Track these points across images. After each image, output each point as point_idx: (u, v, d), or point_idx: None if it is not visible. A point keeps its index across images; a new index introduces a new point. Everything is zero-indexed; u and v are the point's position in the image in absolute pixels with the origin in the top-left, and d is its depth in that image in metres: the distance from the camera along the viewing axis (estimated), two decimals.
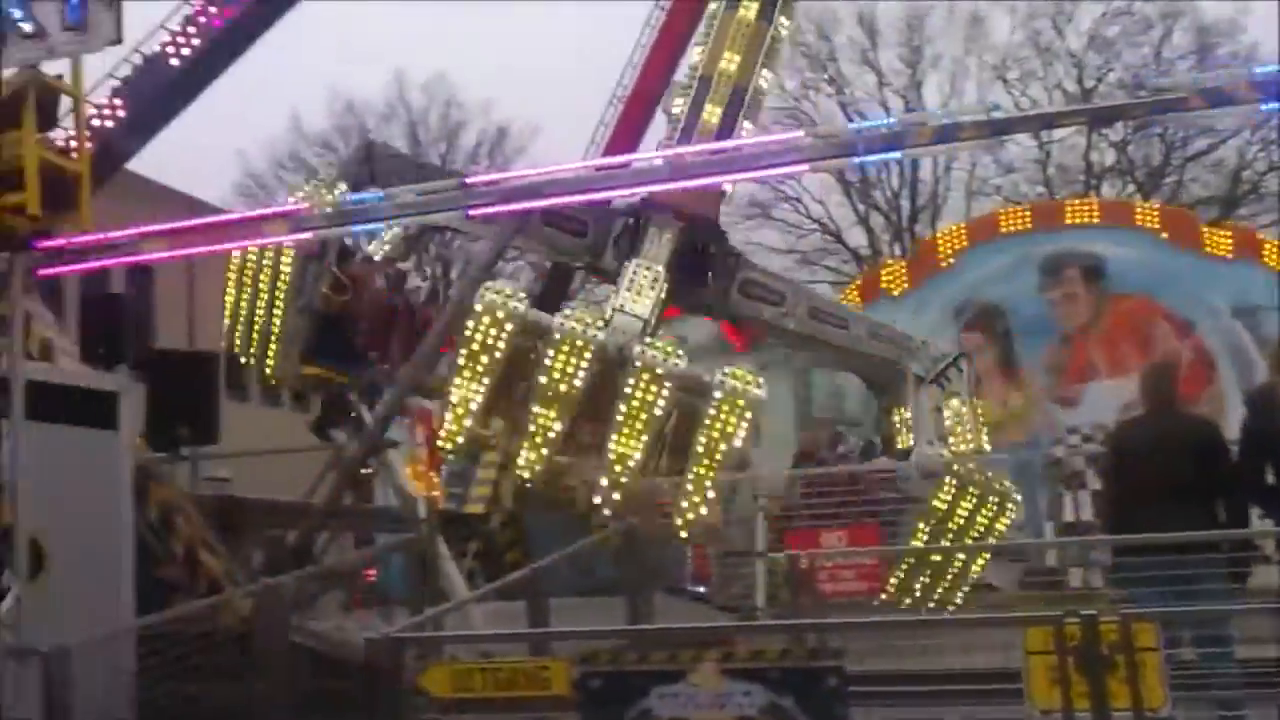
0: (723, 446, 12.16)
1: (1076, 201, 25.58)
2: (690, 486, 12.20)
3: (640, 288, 13.53)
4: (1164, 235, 21.21)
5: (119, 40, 8.23)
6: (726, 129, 15.40)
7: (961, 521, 12.76)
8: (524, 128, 42.68)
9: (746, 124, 15.55)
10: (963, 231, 23.23)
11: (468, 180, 15.29)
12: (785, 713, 5.82)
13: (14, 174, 7.88)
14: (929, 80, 38.19)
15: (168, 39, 13.13)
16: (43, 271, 9.68)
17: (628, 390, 12.29)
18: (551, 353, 12.32)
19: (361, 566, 13.61)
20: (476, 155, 42.10)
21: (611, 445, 12.29)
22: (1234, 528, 7.64)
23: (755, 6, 15.42)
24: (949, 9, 37.52)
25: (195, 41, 13.16)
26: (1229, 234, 22.34)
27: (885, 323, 15.66)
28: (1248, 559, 7.70)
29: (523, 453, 12.54)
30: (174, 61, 13.12)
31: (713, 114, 15.56)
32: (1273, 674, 6.81)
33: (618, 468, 12.27)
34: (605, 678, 6.12)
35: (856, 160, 13.94)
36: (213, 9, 13.29)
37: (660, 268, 13.81)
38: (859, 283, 24.33)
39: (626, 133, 22.32)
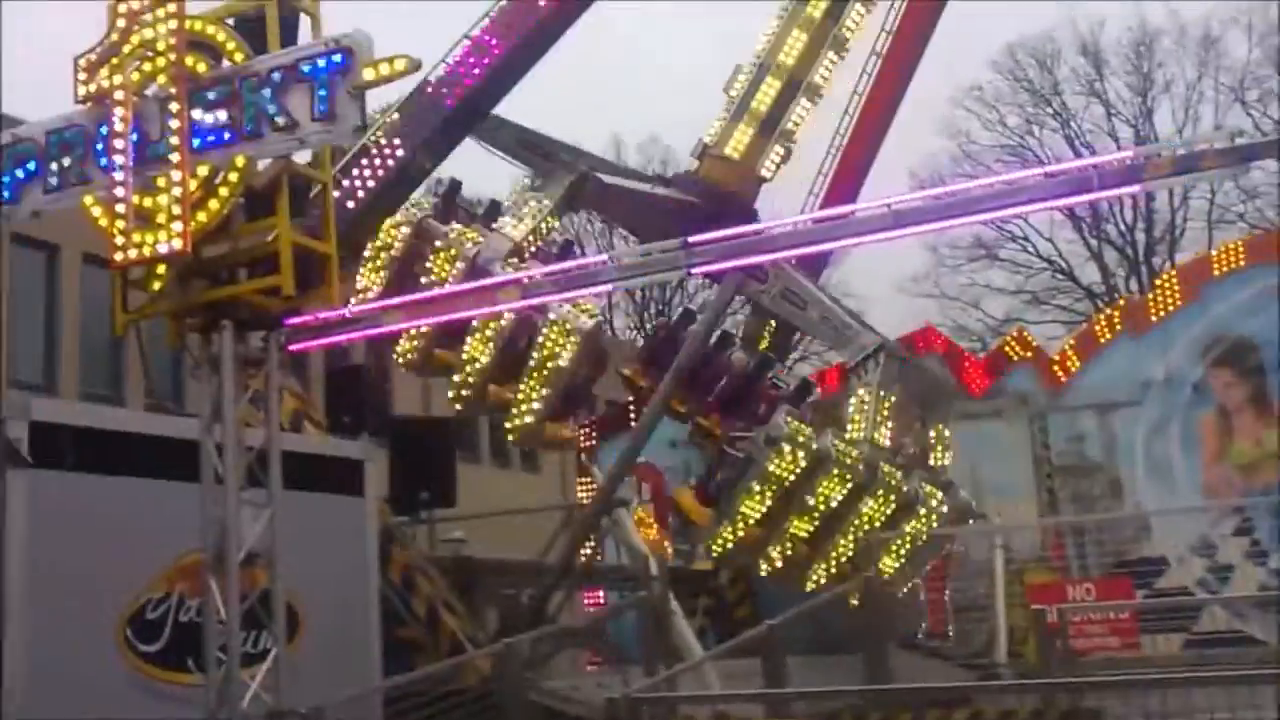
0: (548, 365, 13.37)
1: None
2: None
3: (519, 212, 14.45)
4: None
5: (364, 129, 8.67)
6: (776, 112, 16.38)
7: (822, 504, 13.59)
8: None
9: (803, 107, 16.64)
10: (1207, 262, 22.07)
11: (690, 240, 15.57)
12: None
13: (270, 258, 8.32)
14: (1161, 107, 36.69)
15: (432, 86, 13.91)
16: (293, 347, 10.20)
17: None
18: (823, 479, 13.71)
19: (597, 624, 13.74)
20: None
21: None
22: None
23: None
24: (1179, 31, 36.06)
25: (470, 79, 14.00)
26: None
27: (840, 310, 16.75)
28: None
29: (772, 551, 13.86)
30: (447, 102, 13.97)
31: (765, 96, 16.36)
32: None
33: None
34: None
35: (1095, 197, 13.62)
36: (491, 39, 14.01)
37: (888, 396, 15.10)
38: (1102, 320, 23.22)
39: (846, 181, 22.23)
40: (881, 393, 14.81)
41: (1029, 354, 21.09)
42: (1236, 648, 10.59)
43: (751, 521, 13.62)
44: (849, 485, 13.81)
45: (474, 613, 12.93)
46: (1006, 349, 21.55)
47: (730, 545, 13.81)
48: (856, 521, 13.78)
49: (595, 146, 50.61)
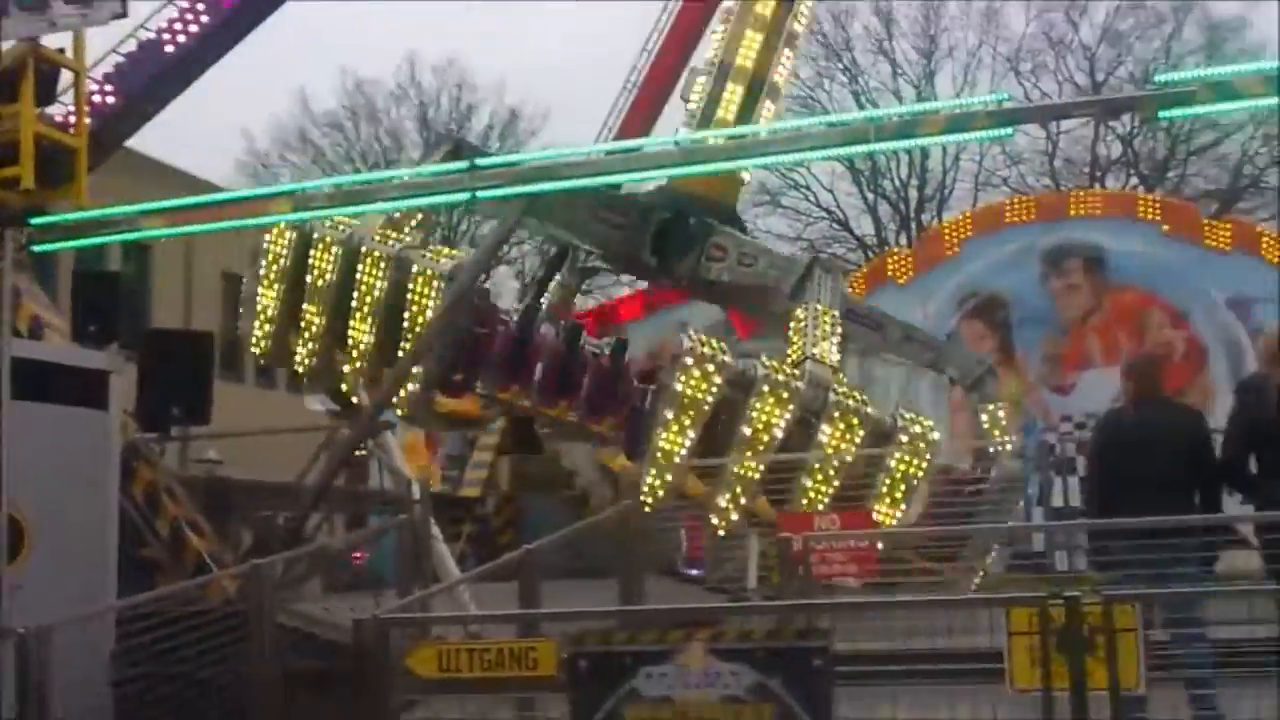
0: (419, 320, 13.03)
1: (1080, 193, 25.51)
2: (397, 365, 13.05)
3: (824, 334, 13.85)
4: (1165, 228, 21.25)
5: (124, 14, 8.11)
6: (743, 117, 15.69)
7: (763, 432, 12.65)
8: (535, 112, 42.60)
9: (767, 109, 15.63)
10: (968, 221, 23.16)
11: (478, 163, 15.27)
12: (771, 692, 5.76)
13: (9, 148, 7.80)
14: (943, 71, 38.06)
15: (175, 15, 12.98)
16: (37, 248, 9.59)
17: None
18: (757, 403, 12.68)
19: (351, 548, 13.54)
20: (488, 138, 42.00)
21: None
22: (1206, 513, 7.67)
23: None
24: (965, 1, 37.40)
25: (205, 19, 13.02)
26: (1229, 227, 22.34)
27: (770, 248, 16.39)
28: (1218, 544, 7.69)
29: (722, 499, 12.80)
30: (180, 39, 13.00)
31: (730, 102, 15.65)
32: (1242, 655, 6.79)
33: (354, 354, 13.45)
34: (593, 658, 6.05)
35: (867, 148, 14.04)
36: None
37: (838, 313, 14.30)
38: (865, 270, 24.25)
39: (639, 119, 22.30)
40: (819, 307, 13.91)
41: None
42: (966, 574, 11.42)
43: (676, 458, 12.49)
44: (790, 409, 12.59)
45: (227, 535, 12.56)
46: None
47: (660, 493, 12.55)
48: (824, 457, 12.57)
49: (388, 67, 49.40)
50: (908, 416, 13.44)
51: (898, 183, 38.07)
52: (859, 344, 15.63)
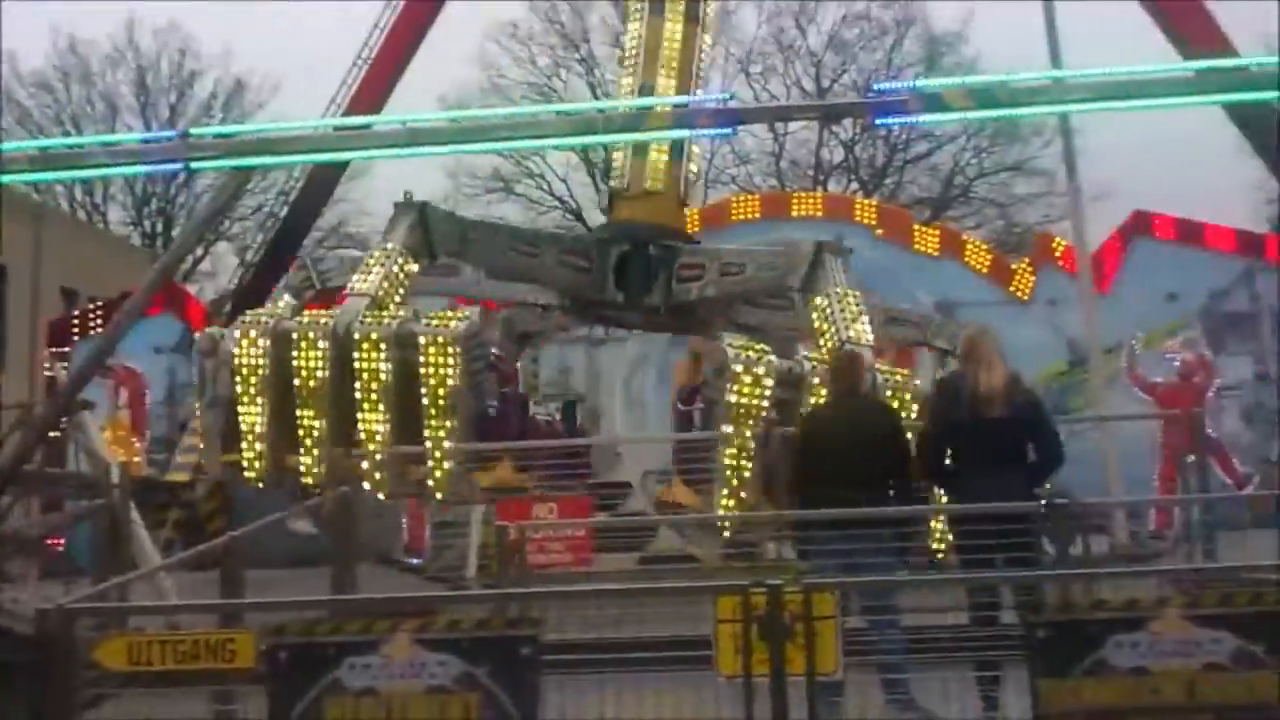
0: (441, 391, 11.91)
1: (803, 194, 26.49)
2: (430, 445, 11.93)
3: (367, 267, 13.16)
4: (879, 231, 22.24)
5: None
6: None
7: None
8: (265, 83, 41.07)
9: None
10: (695, 217, 23.68)
11: (192, 131, 14.54)
12: (478, 682, 5.75)
13: None
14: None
15: None
16: None
17: (356, 364, 12.04)
18: (813, 398, 11.87)
19: (45, 534, 12.73)
20: (210, 107, 40.24)
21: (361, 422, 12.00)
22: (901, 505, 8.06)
23: None
24: None
25: None
26: (937, 233, 23.61)
27: (755, 248, 15.34)
28: (912, 534, 8.10)
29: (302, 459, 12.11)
30: None
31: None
32: (936, 640, 7.19)
33: (370, 445, 11.96)
34: (294, 649, 5.88)
35: (598, 139, 14.10)
36: None
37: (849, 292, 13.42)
38: None
39: (372, 96, 21.80)
40: (839, 290, 13.24)
41: None
42: (679, 564, 11.62)
43: (746, 474, 11.70)
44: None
45: None
46: None
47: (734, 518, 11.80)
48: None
49: (105, 29, 46.61)
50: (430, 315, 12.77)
51: None
52: None
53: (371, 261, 13.13)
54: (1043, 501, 7.49)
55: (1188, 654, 5.61)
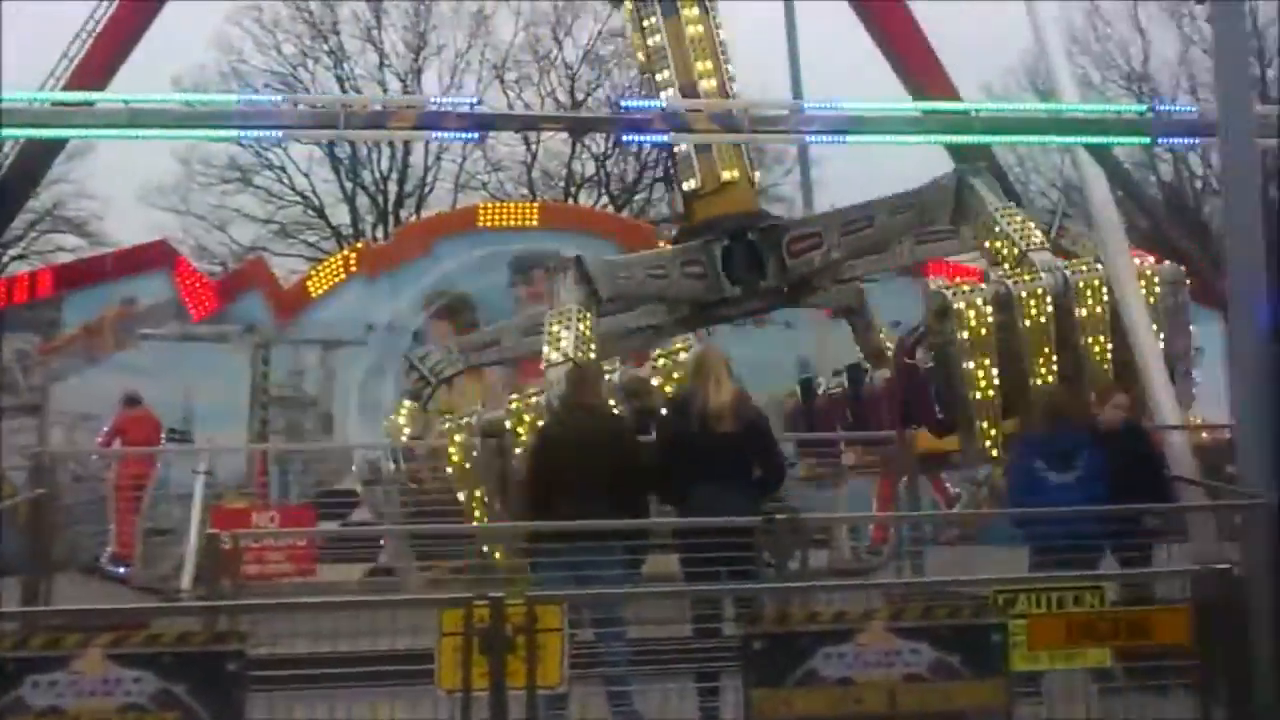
0: None
1: (551, 205, 26.58)
2: None
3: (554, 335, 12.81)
4: (621, 246, 22.52)
5: None
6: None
7: (1044, 340, 11.97)
8: None
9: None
10: (443, 221, 23.45)
11: None
12: (178, 700, 5.46)
13: None
14: (430, 68, 38.22)
15: None
16: None
17: None
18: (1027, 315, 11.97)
19: None
20: None
21: None
22: (632, 518, 8.05)
23: None
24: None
25: None
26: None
27: (886, 201, 14.66)
28: (644, 548, 8.18)
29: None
30: None
31: None
32: (659, 652, 7.29)
33: None
34: None
35: (338, 134, 13.65)
36: None
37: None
38: (337, 260, 23.80)
39: (97, 70, 20.58)
40: (998, 208, 13.05)
41: (264, 283, 21.07)
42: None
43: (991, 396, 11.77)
44: (1049, 305, 11.99)
45: None
46: (242, 276, 21.35)
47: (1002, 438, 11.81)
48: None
49: None
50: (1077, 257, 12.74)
51: (378, 175, 37.87)
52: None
53: (555, 328, 12.77)
54: (763, 516, 7.66)
55: (890, 665, 5.89)
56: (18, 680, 5.41)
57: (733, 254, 14.62)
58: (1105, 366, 11.92)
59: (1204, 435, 12.04)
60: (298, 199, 37.60)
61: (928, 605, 6.21)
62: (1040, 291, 12.05)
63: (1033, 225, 13.01)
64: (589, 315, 13.10)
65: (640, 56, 15.61)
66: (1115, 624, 6.42)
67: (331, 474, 15.13)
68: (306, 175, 37.38)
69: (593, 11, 37.10)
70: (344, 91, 35.40)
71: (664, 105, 14.06)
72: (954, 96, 16.27)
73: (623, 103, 15.84)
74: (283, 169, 37.28)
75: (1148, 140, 12.93)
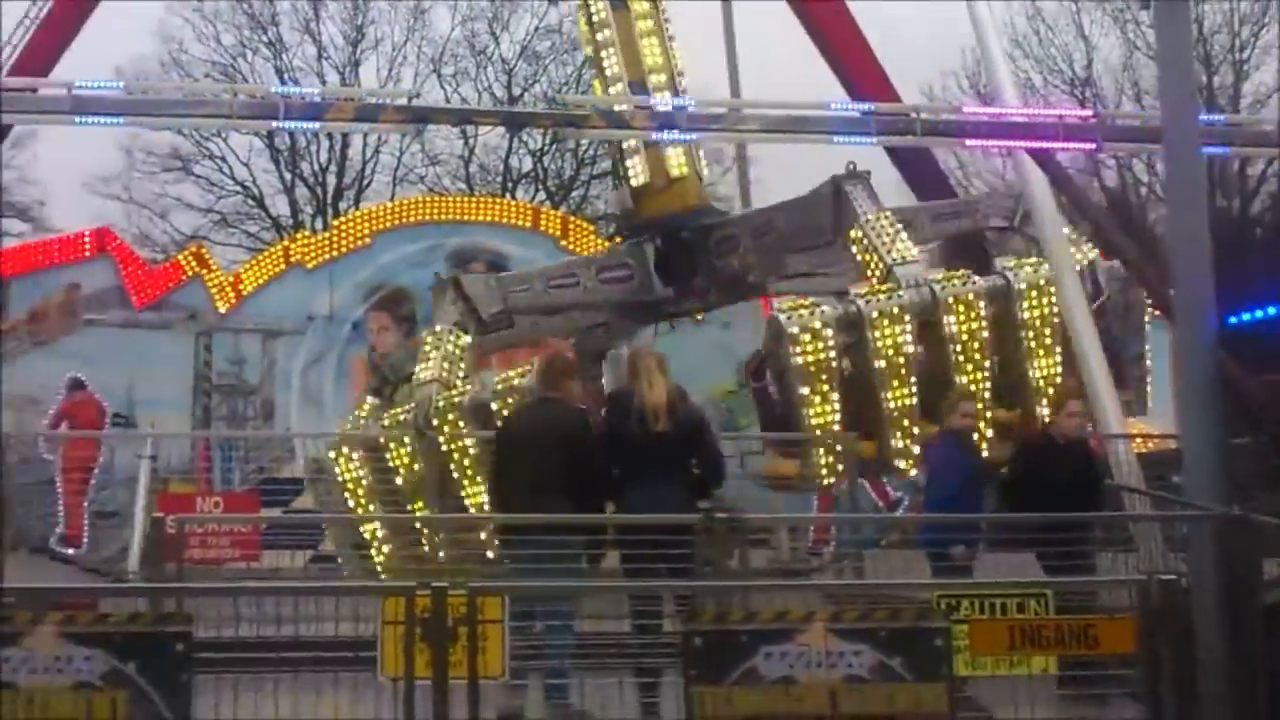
0: None
1: (490, 200, 26.60)
2: None
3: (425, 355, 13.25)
4: (563, 242, 22.68)
5: None
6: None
7: (896, 358, 12.03)
8: None
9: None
10: (383, 214, 23.42)
11: None
12: (128, 678, 5.55)
13: None
14: (368, 62, 37.99)
15: None
16: None
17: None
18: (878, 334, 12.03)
19: None
20: None
21: None
22: (588, 513, 8.12)
23: None
24: None
25: None
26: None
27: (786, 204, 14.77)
28: (600, 543, 8.19)
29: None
30: None
31: None
32: (600, 646, 7.40)
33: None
34: None
35: (276, 125, 13.70)
36: None
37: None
38: (276, 250, 23.71)
39: (41, 56, 20.31)
40: (869, 216, 12.93)
41: (205, 271, 21.00)
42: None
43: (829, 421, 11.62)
44: (908, 322, 11.83)
45: None
46: (183, 263, 21.26)
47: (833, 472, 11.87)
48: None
49: None
50: (1014, 264, 12.55)
51: (317, 167, 37.68)
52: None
53: (427, 348, 13.16)
54: (701, 514, 7.78)
55: (831, 665, 5.86)
56: None
57: (668, 255, 14.75)
58: (982, 384, 11.75)
59: (1149, 445, 12.13)
60: (238, 189, 37.29)
61: (870, 607, 6.18)
62: (896, 310, 11.83)
63: (904, 237, 12.79)
64: (462, 335, 13.40)
65: (588, 50, 15.63)
66: (1060, 631, 6.38)
67: (275, 461, 15.14)
68: (246, 165, 37.08)
69: (530, 8, 37.15)
70: (282, 83, 35.13)
71: (597, 101, 14.29)
72: (893, 97, 16.48)
73: (558, 99, 16.07)
74: (223, 159, 36.98)
75: (1093, 146, 13.07)
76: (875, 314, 11.80)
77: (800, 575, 11.45)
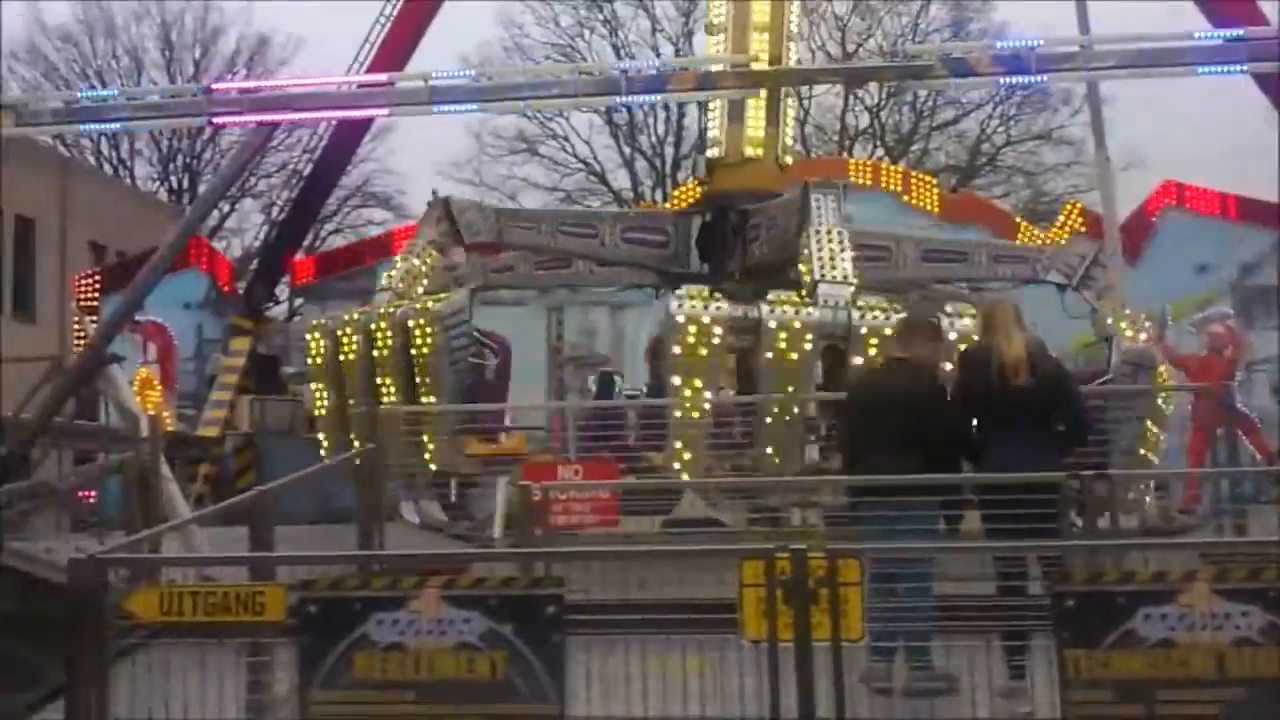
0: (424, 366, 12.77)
1: (829, 160, 26.29)
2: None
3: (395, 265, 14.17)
4: (905, 197, 22.10)
5: None
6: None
7: (787, 368, 11.97)
8: (288, 39, 41.01)
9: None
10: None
11: (215, 87, 14.61)
12: (504, 639, 5.79)
13: None
14: (701, 30, 38.37)
15: None
16: None
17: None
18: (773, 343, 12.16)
19: (77, 486, 12.84)
20: (234, 63, 40.22)
21: None
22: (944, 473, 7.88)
23: None
24: None
25: None
26: (963, 200, 23.40)
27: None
28: (959, 504, 7.97)
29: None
30: None
31: None
32: (960, 611, 7.16)
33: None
34: (323, 603, 5.93)
35: (620, 100, 14.09)
36: None
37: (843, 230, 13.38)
38: None
39: (395, 53, 21.72)
40: (820, 229, 12.98)
41: None
42: (705, 528, 11.68)
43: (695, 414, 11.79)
44: (809, 340, 11.92)
45: None
46: None
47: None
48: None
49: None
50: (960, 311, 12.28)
51: (654, 139, 38.50)
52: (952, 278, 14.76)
53: (399, 259, 14.01)
54: (1072, 473, 7.43)
55: (1217, 627, 5.55)
56: (364, 617, 5.84)
57: (710, 232, 14.50)
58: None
59: None
60: (581, 166, 38.68)
61: (1257, 566, 5.76)
62: (797, 325, 11.67)
63: (845, 255, 12.55)
64: (431, 253, 13.77)
65: None
66: None
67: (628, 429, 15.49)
68: (588, 143, 38.40)
69: None
70: (619, 58, 36.04)
71: (940, 51, 13.74)
72: (1261, 20, 15.05)
73: (900, 50, 15.61)
74: (565, 138, 38.41)
75: None
76: (774, 324, 11.81)
77: (1174, 535, 10.80)
